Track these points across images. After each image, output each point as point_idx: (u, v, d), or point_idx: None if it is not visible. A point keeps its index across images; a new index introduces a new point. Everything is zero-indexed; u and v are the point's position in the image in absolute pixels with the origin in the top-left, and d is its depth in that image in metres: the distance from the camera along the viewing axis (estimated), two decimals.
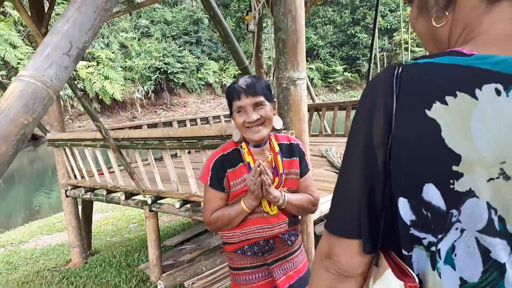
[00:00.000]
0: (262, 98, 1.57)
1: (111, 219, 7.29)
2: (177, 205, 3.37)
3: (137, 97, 23.50)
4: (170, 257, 4.47)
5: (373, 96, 0.62)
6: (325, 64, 32.18)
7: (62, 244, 5.99)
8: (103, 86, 21.30)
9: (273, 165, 1.68)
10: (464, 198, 0.55)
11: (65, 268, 4.73)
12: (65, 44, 1.49)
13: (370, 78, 6.36)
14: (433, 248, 0.59)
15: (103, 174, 4.20)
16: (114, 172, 4.02)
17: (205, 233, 5.20)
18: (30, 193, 11.80)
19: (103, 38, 23.95)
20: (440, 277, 0.59)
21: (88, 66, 21.36)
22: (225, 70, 27.77)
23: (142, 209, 3.85)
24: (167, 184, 3.59)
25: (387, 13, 31.57)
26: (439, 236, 0.58)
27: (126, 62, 23.85)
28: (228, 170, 1.65)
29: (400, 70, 0.60)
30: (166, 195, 3.51)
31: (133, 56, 24.38)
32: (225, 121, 6.79)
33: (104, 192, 4.26)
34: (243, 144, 1.67)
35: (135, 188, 3.74)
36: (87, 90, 21.02)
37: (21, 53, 18.82)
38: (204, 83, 26.43)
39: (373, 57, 6.23)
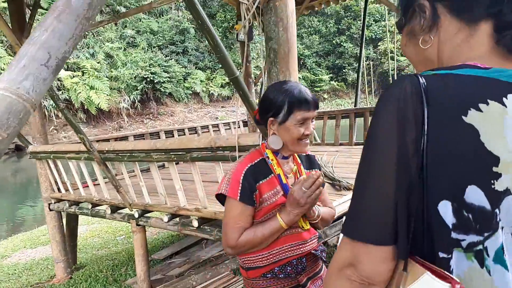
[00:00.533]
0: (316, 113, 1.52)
1: (97, 231, 7.10)
2: (165, 218, 3.27)
3: (123, 106, 23.24)
4: (158, 271, 4.35)
5: (400, 104, 0.63)
6: (312, 73, 32.43)
7: (46, 258, 5.80)
8: (88, 96, 21.01)
9: (298, 176, 1.59)
10: (502, 196, 0.60)
11: (49, 284, 4.56)
12: (43, 54, 1.40)
13: (359, 87, 6.46)
14: (478, 247, 0.61)
15: (88, 187, 4.08)
16: (99, 184, 3.90)
17: (195, 245, 5.09)
18: (14, 206, 11.47)
19: (88, 48, 23.70)
20: (490, 275, 0.61)
21: (73, 76, 21.05)
22: (212, 79, 27.72)
23: (129, 223, 3.74)
24: (154, 197, 3.49)
25: (371, 23, 32.04)
26: (485, 235, 0.60)
27: (111, 72, 23.60)
28: (260, 182, 1.49)
29: (422, 80, 0.64)
30: (154, 208, 3.41)
31: (119, 66, 24.15)
32: (213, 131, 6.71)
33: (89, 206, 4.13)
34: (271, 155, 1.54)
35: (121, 202, 3.62)
36: (72, 100, 20.71)
37: (4, 64, 18.48)
38: (191, 92, 26.28)
39: (361, 66, 6.24)
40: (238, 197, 1.44)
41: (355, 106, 6.47)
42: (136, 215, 3.55)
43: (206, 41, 1.93)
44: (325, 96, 31.97)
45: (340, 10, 33.92)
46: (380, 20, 31.60)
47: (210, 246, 4.91)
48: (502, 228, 0.61)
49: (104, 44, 24.65)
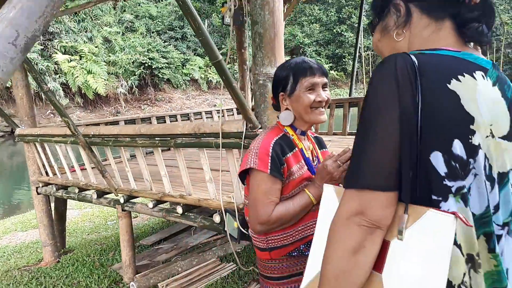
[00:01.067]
0: (327, 80, 1.50)
1: (89, 215, 7.08)
2: (150, 205, 3.24)
3: (121, 92, 23.07)
4: (145, 257, 4.33)
5: (398, 73, 0.75)
6: None
7: (36, 242, 5.78)
8: (86, 80, 20.82)
9: (315, 154, 1.60)
10: (477, 149, 0.74)
11: (36, 267, 4.55)
12: (11, 32, 1.35)
13: (355, 76, 6.38)
14: (463, 191, 0.74)
15: (75, 171, 4.03)
16: (86, 169, 3.86)
17: (184, 232, 5.07)
18: (9, 188, 11.46)
19: (86, 32, 23.45)
20: (469, 212, 0.75)
21: (71, 60, 20.84)
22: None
23: (115, 208, 3.70)
24: (140, 183, 3.45)
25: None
26: (463, 179, 0.74)
27: (109, 56, 23.38)
28: (287, 155, 1.47)
29: (414, 57, 0.77)
30: (139, 194, 3.37)
31: (117, 51, 23.91)
32: (206, 118, 6.64)
33: (76, 190, 4.09)
34: (290, 131, 1.54)
35: (107, 187, 3.58)
36: (69, 84, 20.54)
37: None
38: (189, 79, 26.07)
39: (357, 56, 6.15)
40: (269, 170, 1.40)
41: (350, 96, 6.41)
42: (122, 201, 3.52)
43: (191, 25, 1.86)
44: None
45: None
46: None
47: (199, 233, 4.89)
48: (475, 175, 0.75)
49: (102, 28, 24.38)
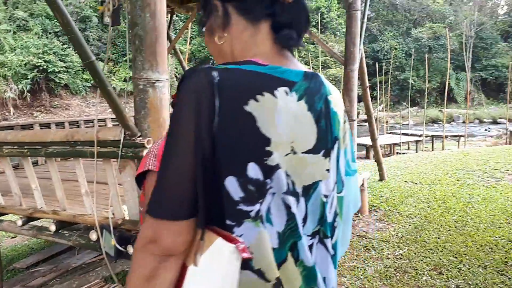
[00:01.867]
0: None
1: None
2: (19, 222, 2.85)
3: (9, 96, 20.80)
4: (18, 282, 3.82)
5: (197, 95, 0.71)
6: None
7: None
8: None
9: None
10: (274, 170, 0.73)
11: None
12: None
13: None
14: (260, 214, 0.73)
15: None
16: None
17: (66, 252, 4.60)
18: None
19: None
20: (267, 233, 0.74)
21: None
22: (114, 72, 26.18)
23: None
24: (9, 198, 3.04)
25: None
26: (261, 201, 0.73)
27: None
28: None
29: (216, 72, 0.71)
30: (6, 210, 2.96)
31: (6, 51, 21.59)
32: (99, 126, 6.19)
33: None
34: None
35: None
36: None
37: None
38: (90, 84, 24.41)
39: None
40: None
41: None
42: None
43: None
44: None
45: None
46: None
47: (83, 253, 4.48)
48: (273, 194, 0.74)
49: None
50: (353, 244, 3.97)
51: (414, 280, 3.15)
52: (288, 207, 0.76)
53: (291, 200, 0.76)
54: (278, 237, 0.76)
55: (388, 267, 3.39)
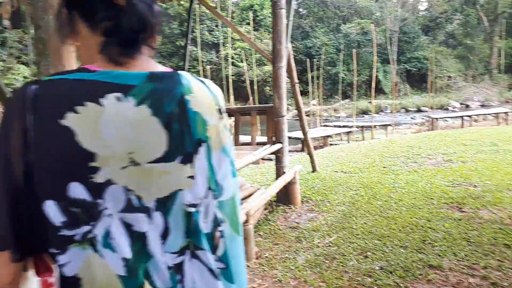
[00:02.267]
0: None
1: None
2: None
3: None
4: None
5: (9, 113, 0.67)
6: None
7: None
8: None
9: None
10: (104, 187, 0.67)
11: None
12: None
13: None
14: (90, 236, 0.67)
15: None
16: None
17: None
18: None
19: None
20: (103, 258, 0.67)
21: None
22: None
23: None
24: None
25: (213, 28, 33.04)
26: (93, 224, 0.67)
27: None
28: None
29: (35, 87, 0.67)
30: None
31: None
32: None
33: None
34: None
35: None
36: None
37: None
38: (11, 90, 22.77)
39: (187, 68, 6.21)
40: None
41: None
42: None
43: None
44: None
45: (183, 12, 34.10)
46: (223, 25, 32.85)
47: None
48: (110, 215, 0.68)
49: None
50: (286, 236, 4.08)
51: (342, 266, 3.31)
52: (129, 227, 0.69)
53: (136, 217, 0.70)
54: (125, 264, 0.68)
55: (318, 255, 3.53)
